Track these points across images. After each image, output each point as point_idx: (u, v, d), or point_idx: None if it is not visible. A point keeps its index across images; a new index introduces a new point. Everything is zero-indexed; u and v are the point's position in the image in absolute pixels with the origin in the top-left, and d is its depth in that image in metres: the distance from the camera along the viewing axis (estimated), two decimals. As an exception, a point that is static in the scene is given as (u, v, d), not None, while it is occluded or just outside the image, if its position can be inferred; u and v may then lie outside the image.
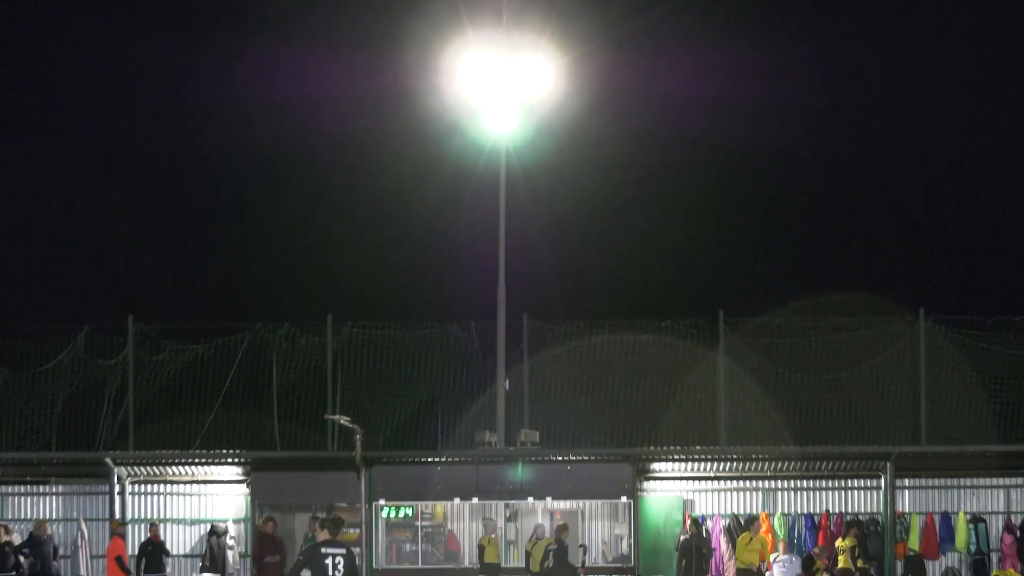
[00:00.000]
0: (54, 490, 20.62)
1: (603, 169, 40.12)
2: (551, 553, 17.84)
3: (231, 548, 20.22)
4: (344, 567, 9.55)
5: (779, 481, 20.46)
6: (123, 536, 19.54)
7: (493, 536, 18.87)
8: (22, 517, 20.17)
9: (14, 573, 19.08)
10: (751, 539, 18.19)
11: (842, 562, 18.19)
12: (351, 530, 19.26)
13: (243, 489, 20.02)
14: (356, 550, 16.38)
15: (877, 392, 20.41)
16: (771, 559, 19.11)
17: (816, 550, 18.60)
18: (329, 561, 9.59)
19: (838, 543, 18.60)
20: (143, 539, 19.74)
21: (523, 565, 18.72)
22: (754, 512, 19.93)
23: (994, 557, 19.50)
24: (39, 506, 20.65)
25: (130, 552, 19.63)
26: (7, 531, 19.45)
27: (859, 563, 18.49)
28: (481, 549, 18.74)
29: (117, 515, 19.86)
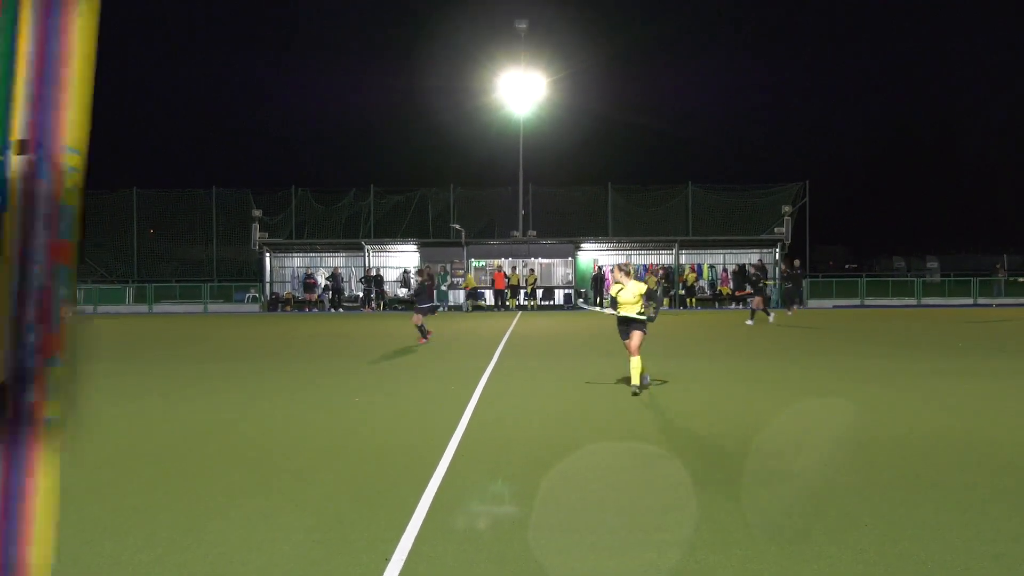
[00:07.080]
0: (339, 255, 39.10)
1: (569, 129, 75.43)
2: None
3: (412, 277, 40.46)
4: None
5: (632, 251, 38.86)
6: (504, 273, 36.32)
7: (515, 272, 37.79)
8: (328, 266, 38.97)
9: (329, 290, 38.72)
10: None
11: (651, 284, 39.70)
12: (461, 270, 38.61)
13: (417, 254, 38.39)
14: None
15: (674, 216, 38.62)
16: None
17: (647, 276, 39.03)
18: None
19: (649, 276, 40.08)
20: (375, 272, 37.68)
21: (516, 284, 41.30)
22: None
23: (717, 283, 39.08)
24: (334, 261, 39.07)
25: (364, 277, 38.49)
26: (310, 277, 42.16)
27: (658, 284, 40.80)
28: (507, 278, 38.20)
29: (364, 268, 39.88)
